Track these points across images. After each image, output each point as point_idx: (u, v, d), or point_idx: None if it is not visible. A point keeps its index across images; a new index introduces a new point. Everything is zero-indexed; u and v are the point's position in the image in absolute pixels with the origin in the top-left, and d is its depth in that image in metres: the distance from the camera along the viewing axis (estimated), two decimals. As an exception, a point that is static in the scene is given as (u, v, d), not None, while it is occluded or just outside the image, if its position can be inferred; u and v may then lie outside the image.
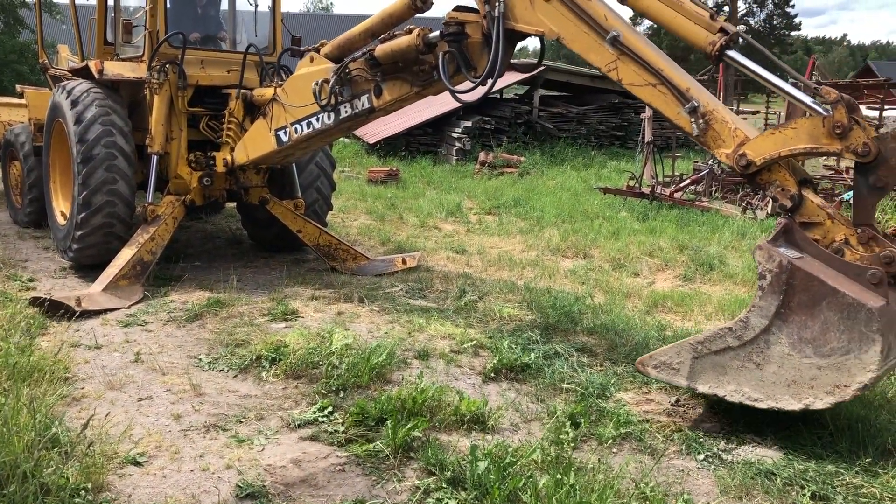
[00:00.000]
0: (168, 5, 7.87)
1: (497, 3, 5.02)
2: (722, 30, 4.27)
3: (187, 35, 7.67)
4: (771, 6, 51.50)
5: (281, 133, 7.00)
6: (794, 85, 4.71)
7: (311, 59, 6.78)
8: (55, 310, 6.16)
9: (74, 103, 7.48)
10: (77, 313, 6.16)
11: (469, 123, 19.88)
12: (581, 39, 4.75)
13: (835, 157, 15.85)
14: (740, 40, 4.40)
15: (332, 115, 6.50)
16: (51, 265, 8.06)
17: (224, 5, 8.98)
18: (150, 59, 7.58)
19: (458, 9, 5.50)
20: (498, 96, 22.67)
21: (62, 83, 8.11)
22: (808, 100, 4.03)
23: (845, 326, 3.70)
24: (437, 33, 5.54)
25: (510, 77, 22.50)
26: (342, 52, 6.44)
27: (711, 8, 4.31)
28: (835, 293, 3.71)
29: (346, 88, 6.32)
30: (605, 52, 4.65)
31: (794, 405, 3.89)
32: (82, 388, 4.77)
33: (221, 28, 8.87)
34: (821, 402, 3.81)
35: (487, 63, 5.21)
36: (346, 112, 6.40)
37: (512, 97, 23.89)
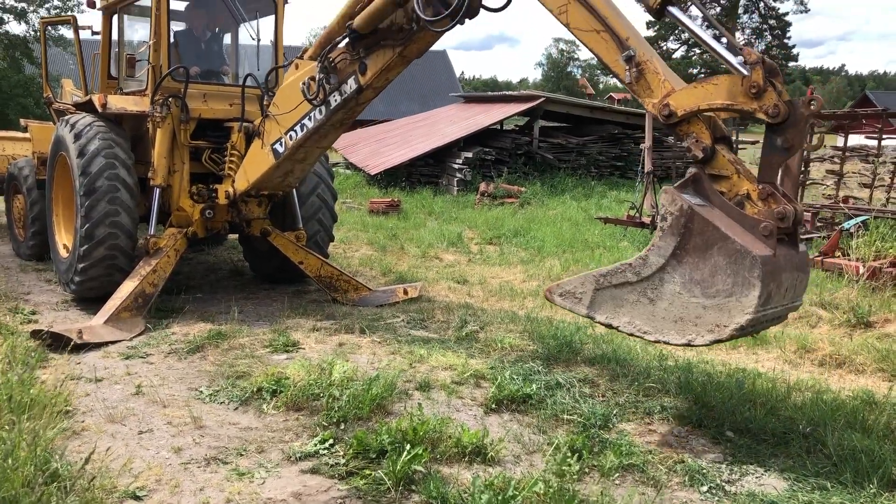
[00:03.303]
0: (172, 40, 7.98)
1: None
2: None
3: (189, 69, 7.77)
4: (769, 37, 51.95)
5: (277, 146, 7.07)
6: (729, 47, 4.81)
7: (296, 66, 6.90)
8: (56, 342, 6.16)
9: (78, 136, 7.55)
10: (78, 346, 6.16)
11: (470, 154, 20.01)
12: None
13: (831, 185, 15.92)
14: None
15: (323, 108, 6.57)
16: (53, 298, 8.08)
17: (227, 40, 9.09)
18: (153, 92, 7.67)
19: None
20: (498, 127, 22.83)
21: (66, 117, 8.19)
22: (732, 59, 4.12)
23: (731, 271, 3.89)
24: None
25: (510, 108, 22.72)
26: (325, 48, 6.52)
27: None
28: (726, 239, 3.91)
29: (333, 77, 6.41)
30: None
31: (678, 340, 4.13)
32: (83, 422, 4.75)
33: (224, 62, 8.97)
34: (701, 339, 4.04)
35: None
36: (336, 100, 6.48)
37: (512, 128, 24.06)
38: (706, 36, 4.35)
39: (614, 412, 4.99)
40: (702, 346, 4.13)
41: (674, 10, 4.40)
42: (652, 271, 4.17)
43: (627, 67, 4.48)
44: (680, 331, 4.11)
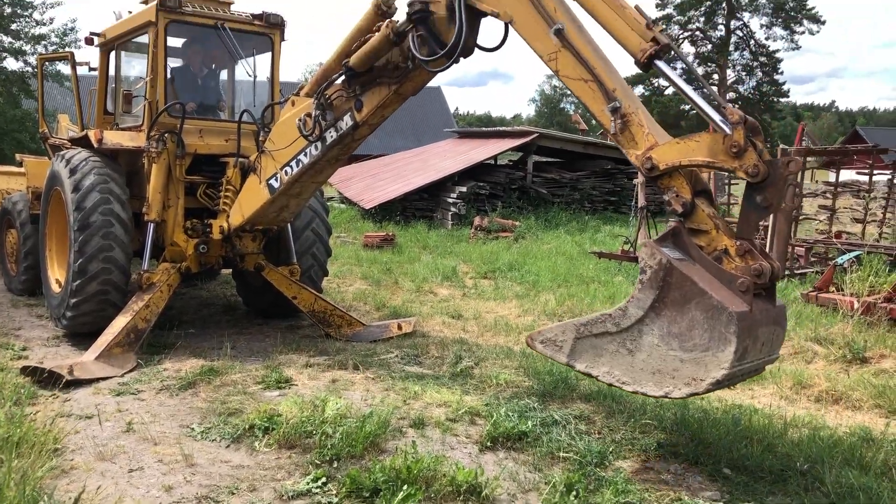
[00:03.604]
0: (168, 76, 8.03)
1: None
2: (654, 39, 4.43)
3: (186, 105, 7.81)
4: (760, 74, 52.63)
5: (272, 181, 7.08)
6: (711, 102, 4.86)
7: (293, 103, 6.94)
8: (47, 379, 6.10)
9: (73, 171, 7.56)
10: (69, 382, 6.10)
11: (464, 188, 20.09)
12: (530, 26, 4.95)
13: (824, 220, 16.00)
14: (671, 52, 4.59)
15: (319, 143, 6.60)
16: (44, 333, 8.02)
17: (224, 76, 9.16)
18: (149, 128, 7.70)
19: None
20: (492, 162, 22.96)
21: (61, 152, 8.21)
22: (716, 116, 4.18)
23: (709, 326, 3.95)
24: (404, 19, 5.68)
25: (504, 143, 22.88)
26: (321, 85, 6.56)
27: (651, 20, 4.43)
28: (703, 294, 3.96)
29: (329, 113, 6.46)
30: (549, 42, 4.85)
31: (656, 392, 4.18)
32: (72, 460, 4.69)
33: (220, 98, 9.03)
34: (678, 392, 4.09)
35: (454, 35, 5.35)
36: (332, 136, 6.50)
37: (506, 163, 24.20)
38: (691, 92, 4.40)
39: (611, 449, 4.95)
40: (678, 398, 4.16)
41: (661, 63, 4.47)
42: (631, 323, 4.21)
43: (613, 118, 4.54)
44: (658, 383, 4.16)
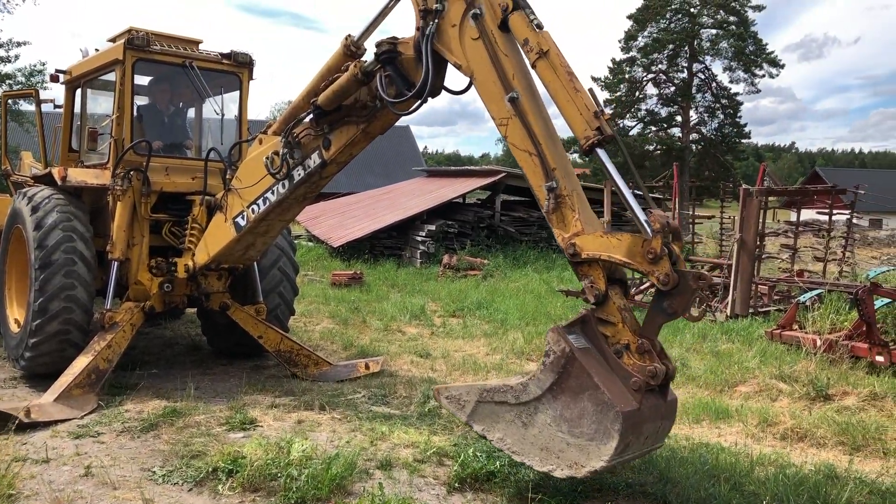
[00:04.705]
0: (135, 114, 7.99)
1: (431, 23, 5.23)
2: (599, 129, 4.50)
3: (152, 143, 7.76)
4: (721, 116, 53.72)
5: (238, 219, 7.03)
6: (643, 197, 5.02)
7: (260, 141, 6.92)
8: (2, 422, 5.92)
9: (35, 209, 7.45)
10: (25, 425, 5.93)
11: (433, 227, 20.15)
12: (488, 87, 4.99)
13: (786, 259, 16.28)
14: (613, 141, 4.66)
15: (287, 182, 6.57)
16: (0, 374, 7.81)
17: (191, 114, 9.14)
18: (114, 166, 7.63)
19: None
20: (461, 201, 23.09)
21: (23, 189, 8.09)
22: (642, 217, 4.29)
23: (597, 418, 4.16)
24: (372, 59, 5.69)
25: (472, 182, 23.04)
26: (289, 123, 6.55)
27: (601, 108, 4.52)
28: (597, 389, 4.16)
29: (297, 151, 6.44)
30: (503, 107, 4.90)
31: (540, 467, 4.39)
32: (27, 506, 4.54)
33: (187, 136, 8.99)
34: (560, 472, 4.29)
35: (421, 76, 5.36)
36: (300, 174, 6.47)
37: (474, 202, 24.35)
38: (624, 188, 4.47)
39: (579, 489, 4.92)
40: (559, 477, 4.33)
41: (602, 153, 4.55)
42: (529, 399, 4.43)
43: (548, 196, 4.66)
44: (543, 459, 4.38)
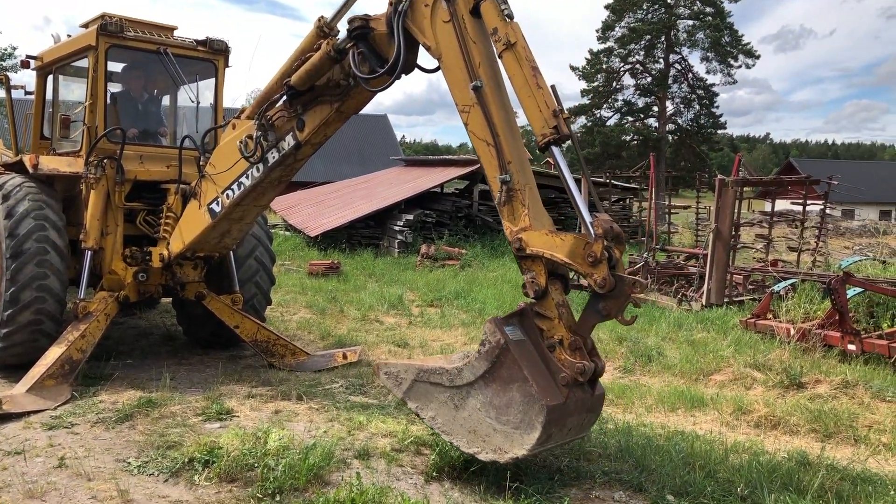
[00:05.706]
0: (108, 101, 7.88)
1: (403, 1, 5.20)
2: (556, 128, 4.55)
3: (126, 131, 7.66)
4: (697, 107, 54.11)
5: (213, 205, 6.96)
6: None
7: (234, 126, 6.86)
8: (-26, 413, 5.84)
9: (6, 197, 7.33)
10: (-2, 416, 5.86)
11: (411, 216, 20.12)
12: (454, 72, 4.99)
13: (761, 249, 16.45)
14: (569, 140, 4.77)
15: (261, 165, 6.51)
16: (-28, 365, 7.69)
17: (166, 101, 9.03)
18: (87, 154, 7.52)
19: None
20: (439, 190, 23.07)
21: (-6, 177, 7.95)
22: (587, 219, 4.40)
23: (523, 409, 4.34)
24: (344, 35, 5.65)
25: (450, 172, 23.02)
26: (262, 106, 6.48)
27: (560, 106, 4.56)
28: (525, 381, 4.33)
29: (271, 134, 6.38)
30: (466, 94, 4.91)
31: (466, 448, 4.62)
32: (-1, 498, 4.49)
33: (162, 124, 8.88)
34: (484, 456, 4.51)
35: (394, 52, 5.34)
36: (274, 157, 6.42)
37: (452, 191, 24.34)
38: (574, 189, 4.52)
39: (556, 478, 4.95)
40: (483, 461, 4.53)
41: (556, 150, 4.61)
42: (462, 383, 4.61)
43: (501, 188, 4.70)
44: (470, 441, 4.59)
